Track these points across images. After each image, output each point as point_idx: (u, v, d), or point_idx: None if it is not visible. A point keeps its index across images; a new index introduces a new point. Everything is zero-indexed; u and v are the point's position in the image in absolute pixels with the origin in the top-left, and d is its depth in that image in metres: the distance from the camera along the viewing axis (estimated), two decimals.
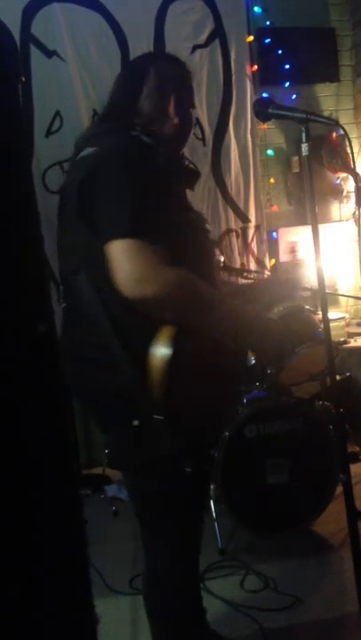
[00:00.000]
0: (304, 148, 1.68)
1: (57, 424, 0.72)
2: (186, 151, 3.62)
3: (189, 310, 1.48)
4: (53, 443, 0.71)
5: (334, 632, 2.11)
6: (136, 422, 1.48)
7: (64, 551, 0.74)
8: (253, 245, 3.99)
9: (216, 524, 2.64)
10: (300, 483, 2.66)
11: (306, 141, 1.67)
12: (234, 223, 3.92)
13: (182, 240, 1.52)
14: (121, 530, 2.88)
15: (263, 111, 1.75)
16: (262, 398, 2.81)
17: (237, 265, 3.90)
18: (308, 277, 3.59)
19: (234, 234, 3.92)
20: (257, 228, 3.99)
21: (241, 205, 3.93)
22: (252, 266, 3.96)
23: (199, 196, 3.77)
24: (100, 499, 3.23)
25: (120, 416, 1.53)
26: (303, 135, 1.65)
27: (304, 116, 1.67)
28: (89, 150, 1.55)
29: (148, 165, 1.49)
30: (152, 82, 1.65)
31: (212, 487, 2.69)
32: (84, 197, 1.48)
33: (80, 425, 3.50)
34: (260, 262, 4.00)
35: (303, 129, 1.67)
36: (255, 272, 3.95)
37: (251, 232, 3.98)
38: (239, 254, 3.92)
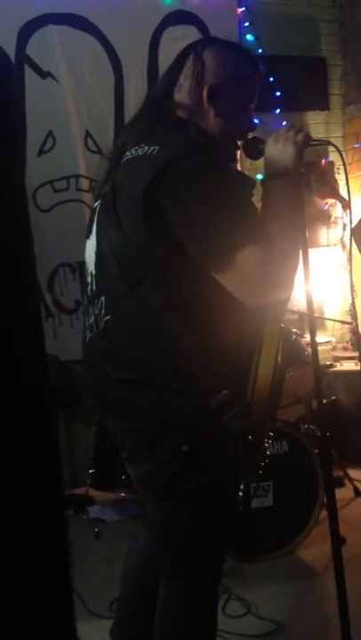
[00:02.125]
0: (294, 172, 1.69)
1: (48, 441, 0.72)
2: None
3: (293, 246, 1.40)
4: (43, 460, 0.70)
5: None
6: (186, 448, 1.37)
7: (48, 573, 0.73)
8: None
9: None
10: (284, 507, 2.66)
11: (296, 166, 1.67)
12: None
13: None
14: (103, 552, 2.85)
15: (253, 151, 1.65)
16: None
17: None
18: (296, 301, 3.61)
19: None
20: None
21: None
22: None
23: None
24: (82, 519, 3.19)
25: (166, 442, 1.40)
26: None
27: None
28: (145, 149, 1.38)
29: (222, 168, 1.39)
30: (189, 67, 1.48)
31: None
32: (154, 202, 1.32)
33: (64, 444, 3.48)
34: None
35: None
36: None
37: None
38: None
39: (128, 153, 1.44)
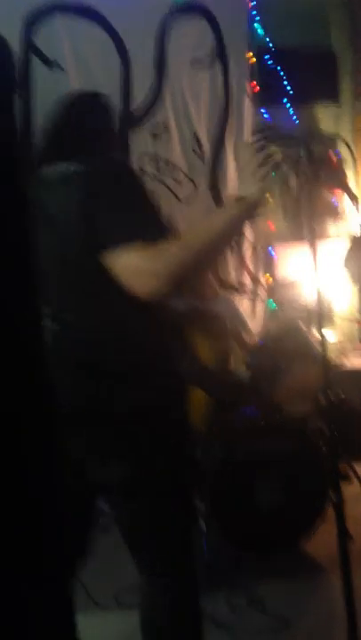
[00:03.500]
0: (304, 167, 1.67)
1: (52, 436, 0.70)
2: (184, 167, 3.67)
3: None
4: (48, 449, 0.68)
5: None
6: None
7: (48, 564, 0.71)
8: (249, 261, 3.99)
9: (204, 539, 2.60)
10: (291, 503, 2.63)
11: (306, 160, 1.66)
12: None
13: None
14: (106, 542, 2.83)
15: (264, 136, 1.67)
16: (254, 417, 2.79)
17: (233, 281, 3.89)
18: (304, 296, 3.58)
19: (229, 249, 3.91)
20: (253, 243, 3.99)
21: None
22: (247, 282, 3.96)
23: (196, 210, 3.77)
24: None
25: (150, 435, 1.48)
26: (303, 154, 1.65)
27: (305, 135, 1.66)
28: (66, 167, 1.54)
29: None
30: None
31: (201, 504, 2.66)
32: (90, 216, 1.45)
33: None
34: (254, 279, 4.00)
35: (303, 149, 1.66)
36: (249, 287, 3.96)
37: (246, 247, 3.98)
38: (234, 270, 3.92)
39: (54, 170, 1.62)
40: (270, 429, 2.71)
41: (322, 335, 1.74)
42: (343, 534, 1.71)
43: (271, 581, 2.49)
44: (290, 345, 2.96)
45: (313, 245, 1.63)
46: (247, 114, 3.86)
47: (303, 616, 2.26)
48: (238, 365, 3.22)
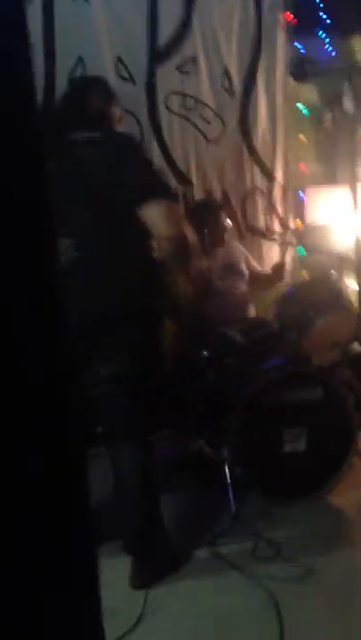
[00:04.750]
0: (347, 103, 1.56)
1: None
2: (213, 104, 3.51)
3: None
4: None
5: (347, 604, 2.09)
6: None
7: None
8: (279, 206, 3.86)
9: (230, 489, 2.61)
10: (317, 452, 2.62)
11: (349, 96, 1.54)
12: (259, 181, 3.79)
13: None
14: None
15: (301, 71, 1.59)
16: (281, 366, 2.75)
17: (261, 227, 3.78)
18: (336, 241, 3.46)
19: (258, 192, 3.79)
20: (283, 187, 3.85)
21: (267, 162, 3.79)
22: (277, 227, 3.85)
23: (224, 151, 3.64)
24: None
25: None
26: (346, 89, 1.53)
27: (347, 69, 1.54)
28: (90, 134, 2.13)
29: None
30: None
31: (226, 451, 2.66)
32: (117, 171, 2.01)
33: None
34: (284, 224, 3.88)
35: (347, 83, 1.54)
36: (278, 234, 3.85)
37: (276, 191, 3.85)
38: (263, 215, 3.80)
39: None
40: (297, 378, 2.66)
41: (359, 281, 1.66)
42: None
43: (297, 531, 2.50)
44: (319, 293, 2.89)
45: (353, 189, 1.54)
46: (281, 47, 3.65)
47: (329, 565, 2.27)
48: (266, 314, 3.17)
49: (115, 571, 2.17)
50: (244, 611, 2.07)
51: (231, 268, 3.27)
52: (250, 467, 2.59)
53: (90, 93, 2.26)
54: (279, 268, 3.33)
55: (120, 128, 3.37)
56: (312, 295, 2.85)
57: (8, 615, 0.62)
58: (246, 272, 3.32)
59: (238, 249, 3.41)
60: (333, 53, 3.77)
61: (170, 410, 2.90)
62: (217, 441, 2.77)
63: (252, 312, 3.36)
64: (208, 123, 3.58)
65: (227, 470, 2.63)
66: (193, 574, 2.28)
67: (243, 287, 3.28)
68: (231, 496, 2.58)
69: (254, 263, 3.47)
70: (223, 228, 3.27)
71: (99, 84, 2.37)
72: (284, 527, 2.51)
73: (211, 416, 2.82)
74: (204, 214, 3.26)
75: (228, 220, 3.35)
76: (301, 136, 3.92)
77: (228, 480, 2.62)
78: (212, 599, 2.14)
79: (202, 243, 3.24)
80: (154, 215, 2.02)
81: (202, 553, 2.39)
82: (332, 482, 2.65)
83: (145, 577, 2.21)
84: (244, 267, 3.33)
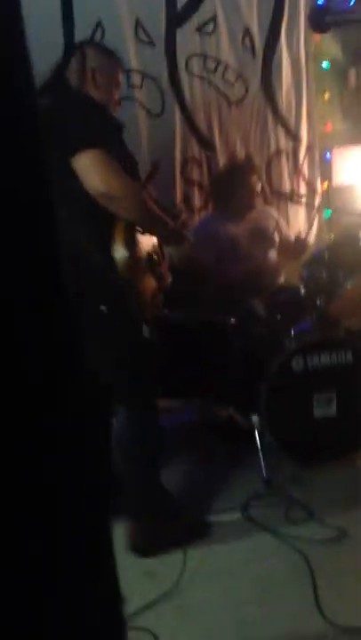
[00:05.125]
0: None
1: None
2: (235, 64, 3.43)
3: (139, 216, 2.03)
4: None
5: None
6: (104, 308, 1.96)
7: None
8: (304, 167, 3.78)
9: (261, 454, 2.63)
10: (348, 417, 2.62)
11: None
12: (284, 143, 3.71)
13: None
14: None
15: (319, 21, 1.55)
16: (310, 331, 2.74)
17: (287, 190, 3.72)
18: None
19: (283, 155, 3.72)
20: (309, 148, 3.77)
21: (292, 123, 3.70)
22: (303, 189, 3.78)
23: (248, 113, 3.57)
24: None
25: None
26: None
27: None
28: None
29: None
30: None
31: (256, 418, 2.68)
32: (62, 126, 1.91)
33: None
34: (310, 186, 3.81)
35: None
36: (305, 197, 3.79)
37: (302, 152, 3.77)
38: (289, 177, 3.73)
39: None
40: (326, 343, 2.65)
41: None
42: None
43: (328, 493, 2.52)
44: (347, 255, 2.84)
45: None
46: (302, 3, 3.53)
47: (359, 526, 2.29)
48: (292, 279, 3.14)
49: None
50: (278, 572, 2.11)
51: (261, 235, 3.24)
52: (280, 432, 2.60)
53: (68, 58, 2.24)
54: (301, 241, 3.26)
55: (141, 94, 3.35)
56: (339, 257, 2.81)
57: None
58: (277, 239, 3.28)
59: (270, 215, 3.37)
60: (352, 2, 3.63)
61: (199, 377, 2.92)
62: (247, 407, 2.78)
63: (281, 279, 3.32)
64: (230, 85, 3.51)
65: (257, 436, 2.66)
66: (227, 538, 2.32)
67: (272, 254, 3.25)
68: (262, 461, 2.61)
69: (286, 230, 3.41)
70: (253, 193, 3.22)
71: (78, 48, 2.28)
72: (315, 490, 2.54)
73: (241, 383, 2.83)
74: (234, 178, 3.21)
75: (259, 184, 3.30)
76: (326, 94, 3.82)
77: (259, 446, 2.65)
78: (247, 561, 2.18)
79: (231, 207, 3.21)
80: (83, 167, 1.92)
81: (235, 517, 2.42)
82: None
83: (142, 542, 2.21)
84: (274, 233, 3.28)
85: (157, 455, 2.29)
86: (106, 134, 2.02)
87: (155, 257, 2.16)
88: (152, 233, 2.16)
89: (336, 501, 2.46)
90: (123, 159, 2.06)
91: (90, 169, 1.92)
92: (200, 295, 3.21)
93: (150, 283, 2.11)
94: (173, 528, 2.27)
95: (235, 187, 3.19)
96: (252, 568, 2.14)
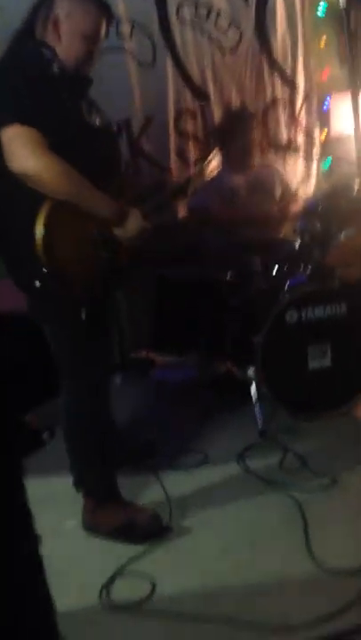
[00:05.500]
0: None
1: None
2: (227, 11, 3.33)
3: (63, 191, 1.82)
4: None
5: None
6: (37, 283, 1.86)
7: None
8: (302, 116, 3.71)
9: (257, 406, 2.67)
10: (342, 368, 2.64)
11: None
12: (280, 91, 3.63)
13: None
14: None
15: None
16: (305, 283, 2.74)
17: (284, 140, 3.66)
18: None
19: (280, 104, 3.64)
20: (306, 95, 3.69)
21: (288, 71, 3.62)
22: (300, 139, 3.71)
23: (242, 61, 3.49)
24: (145, 382, 3.30)
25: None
26: None
27: None
28: None
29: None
30: None
31: (252, 370, 2.70)
32: None
33: (125, 309, 3.50)
34: (309, 135, 3.74)
35: None
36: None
37: (299, 101, 3.69)
38: (286, 127, 3.66)
39: None
40: (321, 295, 2.65)
41: None
42: None
43: (323, 444, 2.56)
44: (343, 205, 2.81)
45: None
46: None
47: (351, 474, 2.34)
48: (288, 231, 3.12)
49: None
50: (271, 518, 2.17)
51: (261, 187, 3.21)
52: (275, 384, 2.63)
53: (39, 4, 2.04)
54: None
55: (131, 44, 3.26)
56: (335, 207, 2.78)
57: None
58: (278, 192, 3.26)
59: (274, 170, 3.34)
60: None
61: (197, 333, 2.95)
62: (243, 360, 2.81)
63: (280, 231, 3.30)
64: (224, 31, 3.42)
65: (253, 388, 2.69)
66: (223, 487, 2.37)
67: (272, 207, 3.23)
68: (258, 413, 2.65)
69: (289, 185, 3.37)
70: (252, 142, 3.18)
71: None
72: (310, 441, 2.58)
73: (237, 336, 2.85)
74: (233, 127, 3.17)
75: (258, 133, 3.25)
76: (323, 40, 3.71)
77: (255, 398, 2.68)
78: (241, 508, 2.24)
79: (230, 157, 3.17)
80: (4, 143, 1.78)
81: (231, 466, 2.48)
82: (356, 396, 2.68)
83: (94, 521, 2.14)
84: (276, 187, 3.25)
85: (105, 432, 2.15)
86: (41, 108, 1.81)
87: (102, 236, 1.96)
88: (90, 213, 1.93)
89: (329, 451, 2.51)
90: (75, 129, 1.89)
91: (9, 146, 1.79)
92: (197, 252, 3.21)
93: (89, 262, 1.92)
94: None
95: (235, 135, 3.15)
96: (246, 515, 2.20)
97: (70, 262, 1.87)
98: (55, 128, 1.81)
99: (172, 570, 1.98)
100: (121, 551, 2.04)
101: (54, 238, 1.79)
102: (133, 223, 1.99)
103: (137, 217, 2.00)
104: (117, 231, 1.98)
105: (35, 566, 0.80)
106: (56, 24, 1.91)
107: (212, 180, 3.21)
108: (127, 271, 2.10)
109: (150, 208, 2.14)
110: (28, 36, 2.00)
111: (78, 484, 2.16)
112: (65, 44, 1.91)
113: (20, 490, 0.75)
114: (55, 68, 1.90)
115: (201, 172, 2.44)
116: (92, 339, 2.00)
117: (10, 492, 0.73)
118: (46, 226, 1.78)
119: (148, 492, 2.33)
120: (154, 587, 1.89)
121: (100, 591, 1.88)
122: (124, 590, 1.89)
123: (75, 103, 1.94)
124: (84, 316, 1.91)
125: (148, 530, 2.10)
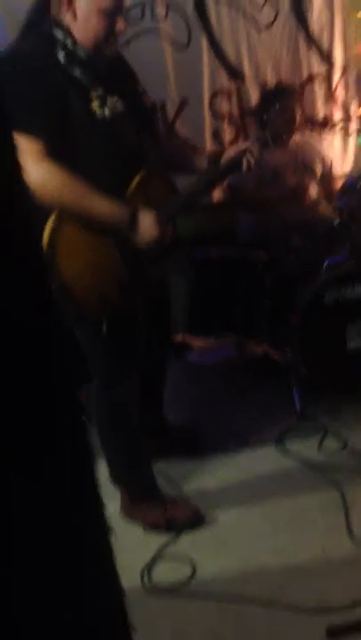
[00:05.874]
0: None
1: None
2: None
3: (63, 203, 1.76)
4: None
5: None
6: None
7: None
8: (338, 91, 3.62)
9: (295, 388, 2.65)
10: None
11: None
12: (317, 67, 3.55)
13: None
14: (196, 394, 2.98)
15: None
16: (343, 263, 2.69)
17: (320, 116, 3.58)
18: None
19: (317, 81, 3.56)
20: (343, 70, 3.60)
21: (325, 45, 3.52)
22: (337, 116, 3.63)
23: (278, 38, 3.41)
24: (181, 364, 3.30)
25: None
26: None
27: None
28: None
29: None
30: None
31: (290, 351, 2.68)
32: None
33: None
34: (346, 110, 3.65)
35: None
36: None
37: (336, 76, 3.60)
38: (323, 103, 3.58)
39: None
40: (357, 273, 2.60)
41: None
42: None
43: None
44: None
45: None
46: None
47: None
48: (326, 209, 3.06)
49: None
50: (311, 500, 2.16)
51: (301, 165, 3.16)
52: (314, 365, 2.60)
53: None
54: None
55: (165, 26, 3.22)
56: None
57: None
58: (319, 170, 3.20)
59: (312, 145, 3.28)
60: None
61: (234, 314, 2.93)
62: (281, 341, 2.78)
63: (319, 209, 3.24)
64: (259, 8, 3.35)
65: (291, 369, 2.66)
66: (262, 469, 2.37)
67: (312, 186, 3.17)
68: (296, 394, 2.63)
69: (329, 162, 3.31)
70: (294, 119, 3.12)
71: None
72: (349, 421, 2.55)
73: (274, 316, 2.82)
74: (274, 103, 3.11)
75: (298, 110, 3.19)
76: None
77: (294, 379, 2.66)
78: (280, 491, 2.23)
79: (271, 136, 3.12)
80: None
81: (270, 449, 2.47)
82: None
83: (131, 515, 2.15)
84: (317, 164, 3.19)
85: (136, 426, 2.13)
86: (42, 112, 1.71)
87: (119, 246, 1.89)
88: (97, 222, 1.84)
89: None
90: (80, 128, 1.77)
91: None
92: (233, 232, 3.18)
93: (105, 274, 1.88)
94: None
95: (277, 112, 3.09)
96: (285, 497, 2.20)
97: (80, 277, 1.82)
98: (58, 131, 1.72)
99: (213, 552, 2.00)
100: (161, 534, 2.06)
101: (58, 255, 1.77)
102: (146, 227, 1.85)
103: (149, 220, 1.85)
104: (133, 237, 1.86)
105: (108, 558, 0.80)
106: (71, 3, 1.73)
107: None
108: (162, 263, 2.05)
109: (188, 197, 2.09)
110: (41, 14, 1.81)
111: (113, 480, 2.15)
112: (81, 21, 1.74)
113: (93, 475, 0.75)
114: (63, 56, 1.76)
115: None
116: (117, 345, 1.96)
117: (85, 479, 0.73)
118: (49, 244, 1.74)
119: (190, 478, 2.34)
120: (194, 569, 1.91)
121: (142, 573, 1.91)
122: (165, 573, 1.92)
123: (84, 97, 1.79)
124: (105, 329, 1.87)
125: (189, 526, 2.10)
